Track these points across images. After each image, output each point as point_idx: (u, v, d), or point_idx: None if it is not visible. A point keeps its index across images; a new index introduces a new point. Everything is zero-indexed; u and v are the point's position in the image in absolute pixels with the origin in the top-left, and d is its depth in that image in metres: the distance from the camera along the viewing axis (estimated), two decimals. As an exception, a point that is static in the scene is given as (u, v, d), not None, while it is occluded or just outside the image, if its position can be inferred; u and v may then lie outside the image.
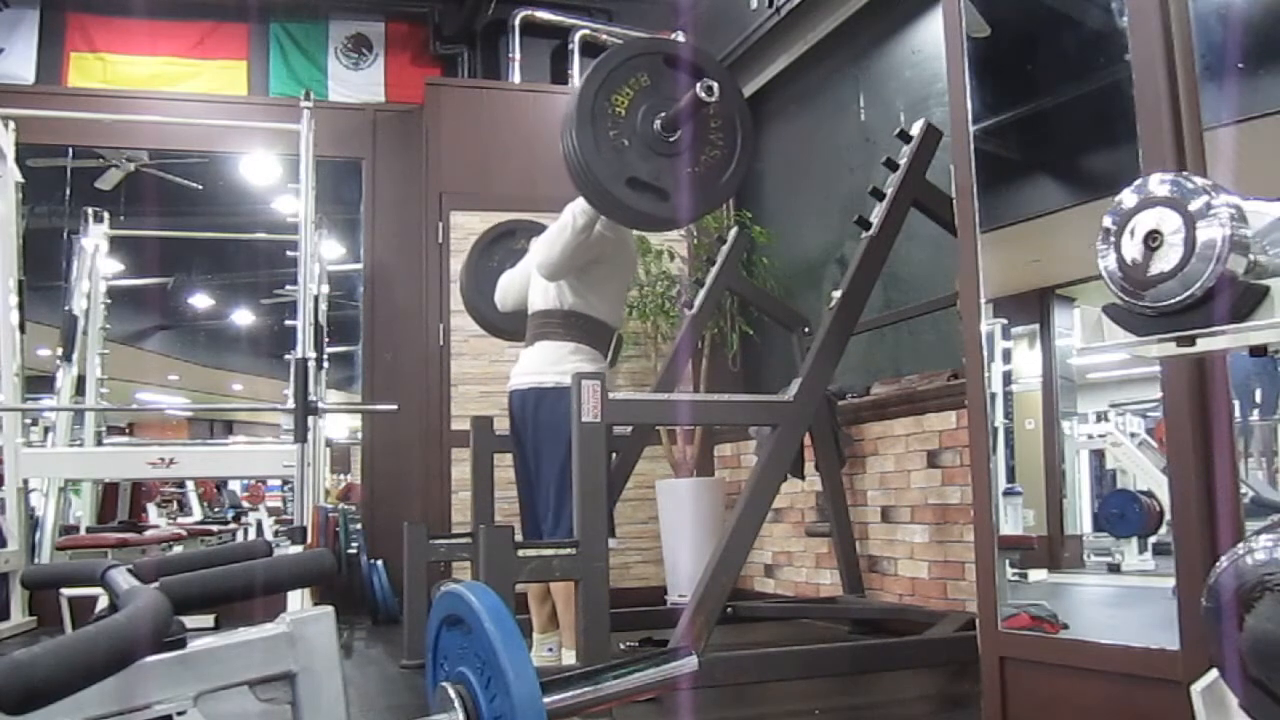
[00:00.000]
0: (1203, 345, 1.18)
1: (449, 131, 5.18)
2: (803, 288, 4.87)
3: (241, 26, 5.67)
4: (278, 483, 8.03)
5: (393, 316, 5.45)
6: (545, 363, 2.83)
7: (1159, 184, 1.19)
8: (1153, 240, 1.17)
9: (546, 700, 1.00)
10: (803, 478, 3.98)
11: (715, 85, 2.39)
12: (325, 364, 5.26)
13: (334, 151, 5.35)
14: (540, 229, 3.37)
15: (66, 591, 3.36)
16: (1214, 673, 1.21)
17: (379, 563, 4.66)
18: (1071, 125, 2.45)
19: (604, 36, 5.77)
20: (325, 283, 5.40)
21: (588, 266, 2.82)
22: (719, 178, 2.61)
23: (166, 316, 7.93)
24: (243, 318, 8.12)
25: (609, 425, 2.44)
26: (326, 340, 5.28)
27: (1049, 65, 2.45)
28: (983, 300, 2.15)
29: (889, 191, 3.03)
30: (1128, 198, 1.22)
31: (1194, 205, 1.14)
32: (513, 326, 3.26)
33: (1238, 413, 1.68)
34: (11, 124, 4.61)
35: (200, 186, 6.17)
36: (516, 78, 5.62)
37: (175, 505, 7.47)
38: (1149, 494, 2.52)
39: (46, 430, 5.49)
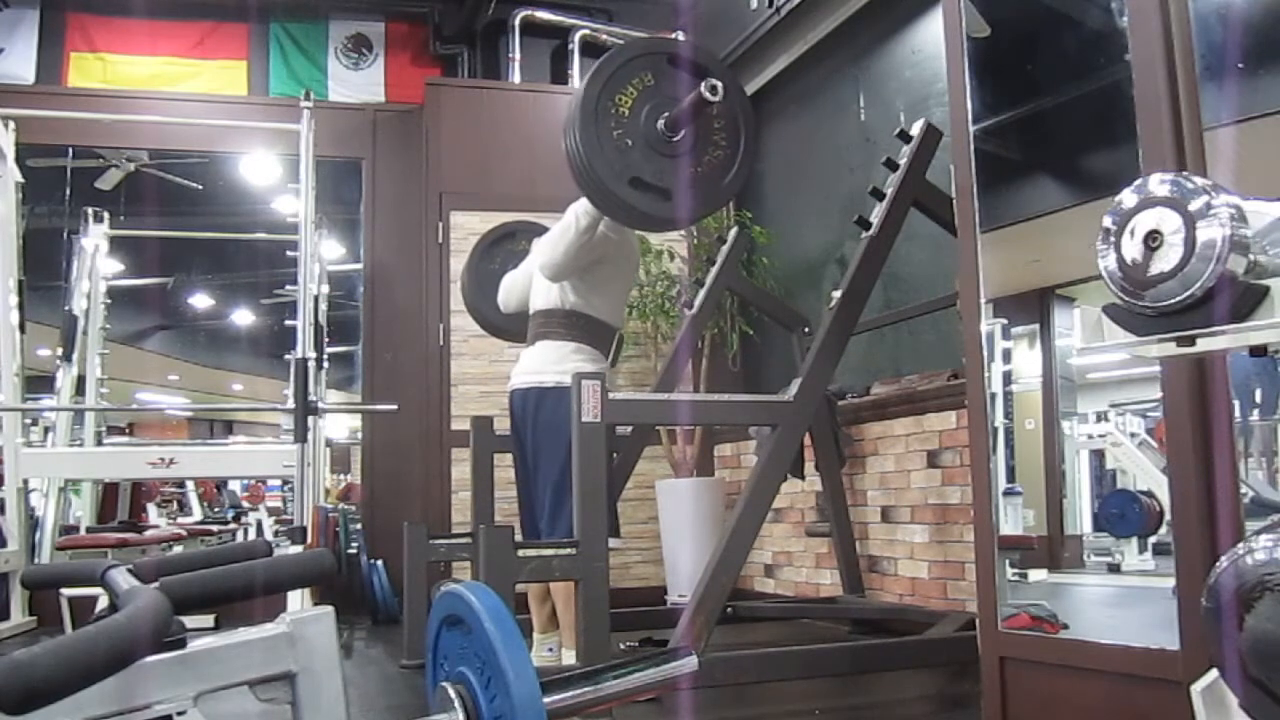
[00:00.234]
0: (1203, 345, 1.18)
1: (449, 131, 5.18)
2: (803, 288, 4.87)
3: (241, 26, 5.67)
4: (278, 483, 8.03)
5: (393, 316, 5.45)
6: (546, 362, 2.83)
7: (1159, 184, 1.19)
8: (1153, 240, 1.17)
9: (546, 700, 1.00)
10: (803, 478, 3.98)
11: (719, 85, 2.39)
12: (325, 364, 5.26)
13: (334, 151, 5.35)
14: (541, 230, 3.37)
15: (66, 591, 3.36)
16: (1214, 673, 1.21)
17: (379, 563, 4.66)
18: (1071, 125, 2.44)
19: (604, 36, 5.77)
20: (325, 283, 5.40)
21: (590, 267, 2.82)
22: (722, 178, 2.61)
23: (166, 316, 7.93)
24: (243, 318, 8.13)
25: (609, 425, 2.44)
26: (326, 340, 5.28)
27: (1049, 65, 2.45)
28: (983, 300, 2.15)
29: (889, 191, 3.03)
30: (1128, 198, 1.22)
31: (1194, 205, 1.14)
32: (514, 327, 3.26)
33: (1238, 413, 1.68)
34: (11, 124, 4.61)
35: (200, 186, 6.17)
36: (516, 78, 5.62)
37: (175, 505, 7.47)
38: (1149, 494, 2.52)
39: (46, 430, 5.49)
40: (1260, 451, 1.87)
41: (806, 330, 4.14)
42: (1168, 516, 1.81)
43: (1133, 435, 2.64)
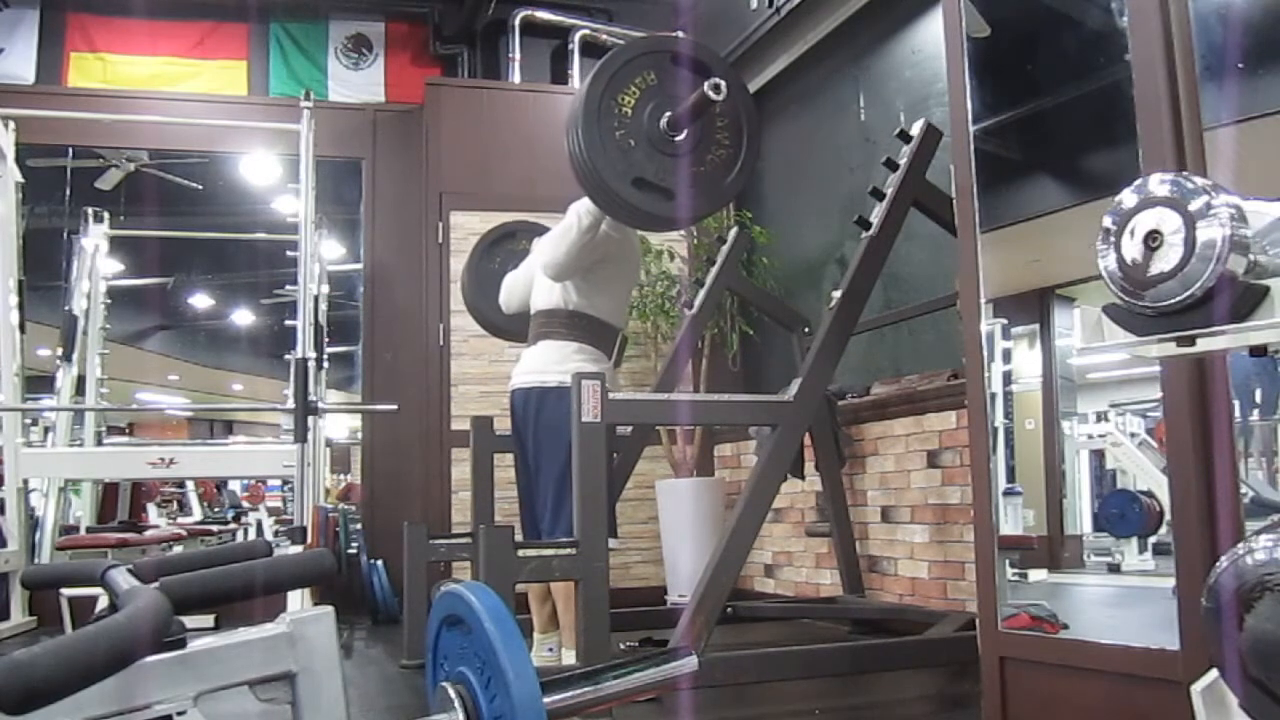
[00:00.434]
0: (1203, 345, 1.18)
1: (449, 131, 5.19)
2: (803, 288, 4.87)
3: (241, 26, 5.67)
4: (278, 483, 8.03)
5: (393, 316, 5.45)
6: (548, 362, 2.82)
7: (1159, 184, 1.19)
8: (1153, 240, 1.17)
9: (546, 700, 1.00)
10: (803, 478, 3.98)
11: (723, 84, 2.38)
12: (325, 364, 5.26)
13: (334, 151, 5.35)
14: (541, 230, 3.37)
15: (66, 591, 3.36)
16: (1214, 673, 1.21)
17: (379, 563, 4.66)
18: (1071, 125, 2.44)
19: (604, 36, 5.77)
20: (325, 283, 5.40)
21: (593, 266, 2.82)
22: (725, 177, 2.61)
23: (166, 316, 7.93)
24: (243, 318, 8.12)
25: (609, 425, 2.44)
26: (326, 340, 5.28)
27: (1049, 65, 2.45)
28: (983, 300, 2.15)
29: (889, 191, 3.03)
30: (1128, 198, 1.22)
31: (1194, 205, 1.14)
32: (515, 327, 3.26)
33: (1238, 413, 1.68)
34: (11, 124, 4.61)
35: (200, 186, 6.17)
36: (516, 78, 5.62)
37: (175, 505, 7.47)
38: (1149, 494, 2.52)
39: (46, 430, 5.49)
40: (1260, 451, 1.87)
41: (806, 330, 4.14)
42: (1168, 516, 1.81)
43: (1133, 435, 2.64)
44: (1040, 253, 2.45)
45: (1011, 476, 2.29)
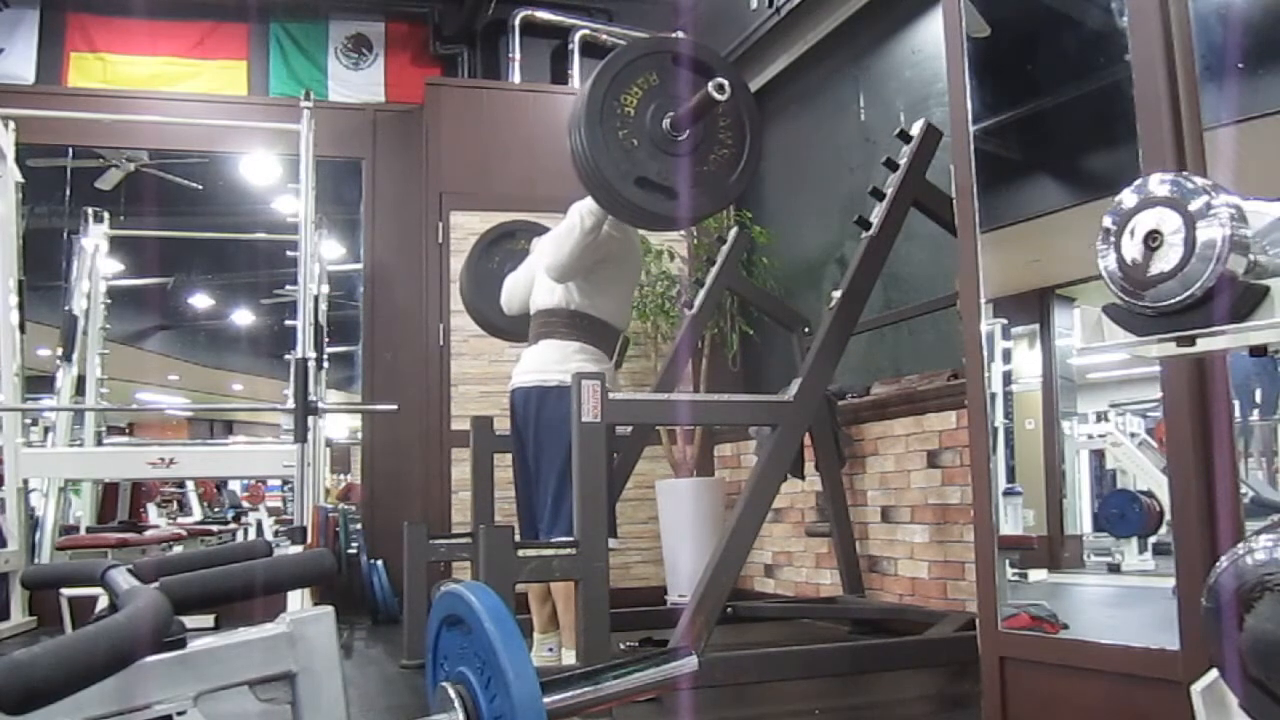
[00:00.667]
0: (1203, 345, 1.18)
1: (449, 131, 5.19)
2: (803, 288, 4.87)
3: (241, 26, 5.67)
4: (278, 483, 8.03)
5: (393, 316, 5.45)
6: (549, 361, 2.82)
7: (1159, 184, 1.19)
8: (1153, 240, 1.17)
9: (546, 700, 1.00)
10: (803, 478, 3.98)
11: (726, 83, 2.38)
12: (325, 364, 5.26)
13: (334, 151, 5.35)
14: (539, 229, 3.37)
15: (66, 591, 3.36)
16: (1214, 673, 1.21)
17: (379, 563, 4.66)
18: (1071, 125, 2.44)
19: (604, 36, 5.77)
20: (325, 283, 5.40)
21: (595, 267, 2.82)
22: (728, 176, 2.61)
23: (166, 316, 7.93)
24: (243, 318, 8.12)
25: (609, 425, 2.44)
26: (326, 340, 5.28)
27: (1049, 65, 2.45)
28: (983, 300, 2.15)
29: (889, 191, 3.03)
30: (1128, 198, 1.22)
31: (1194, 205, 1.14)
32: (513, 327, 3.26)
33: (1238, 413, 1.68)
34: (11, 124, 4.61)
35: (200, 186, 6.17)
36: (516, 78, 5.62)
37: (175, 505, 7.47)
38: (1149, 494, 2.52)
39: (46, 430, 5.49)
40: (1260, 451, 1.87)
41: (806, 330, 4.14)
42: (1168, 516, 1.81)
43: (1133, 435, 2.64)
44: (1040, 253, 2.45)
45: (1011, 476, 2.29)
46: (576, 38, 5.74)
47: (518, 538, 2.44)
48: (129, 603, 0.80)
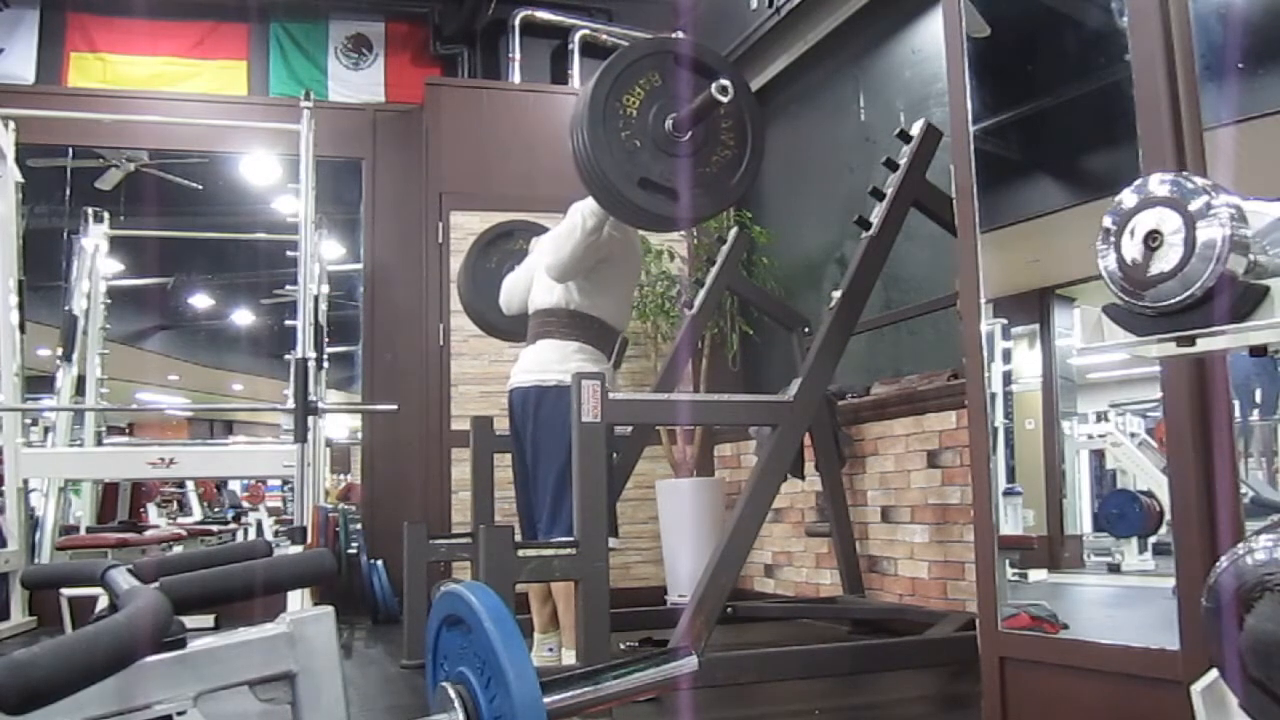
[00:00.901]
0: (1203, 345, 1.18)
1: (449, 131, 5.19)
2: (803, 288, 4.87)
3: (241, 26, 5.67)
4: (278, 483, 8.04)
5: (393, 316, 5.45)
6: (549, 361, 2.82)
7: (1159, 184, 1.19)
8: (1153, 240, 1.17)
9: (546, 700, 1.00)
10: (803, 478, 3.98)
11: (729, 85, 2.38)
12: (325, 364, 5.26)
13: (334, 151, 5.35)
14: (538, 229, 3.37)
15: (66, 591, 3.36)
16: (1214, 673, 1.21)
17: (379, 563, 4.66)
18: (1071, 125, 2.44)
19: (604, 36, 5.77)
20: (325, 283, 5.40)
21: (595, 267, 2.82)
22: (730, 177, 2.60)
23: (166, 316, 7.94)
24: (243, 318, 8.13)
25: (609, 425, 2.44)
26: (326, 340, 5.28)
27: (1049, 65, 2.45)
28: (983, 300, 2.15)
29: (889, 191, 3.03)
30: (1128, 198, 1.22)
31: (1194, 205, 1.14)
32: (512, 327, 3.25)
33: (1238, 413, 1.68)
34: (11, 124, 4.61)
35: (200, 186, 6.17)
36: (516, 78, 5.62)
37: (175, 505, 7.47)
38: (1149, 494, 2.52)
39: (46, 430, 5.49)
40: (1260, 451, 1.87)
41: (806, 330, 4.14)
42: (1168, 516, 1.81)
43: (1133, 435, 2.64)
44: (1040, 253, 2.45)
45: (1011, 476, 2.29)
46: (576, 38, 5.74)
47: (518, 538, 2.44)
48: (129, 603, 0.80)
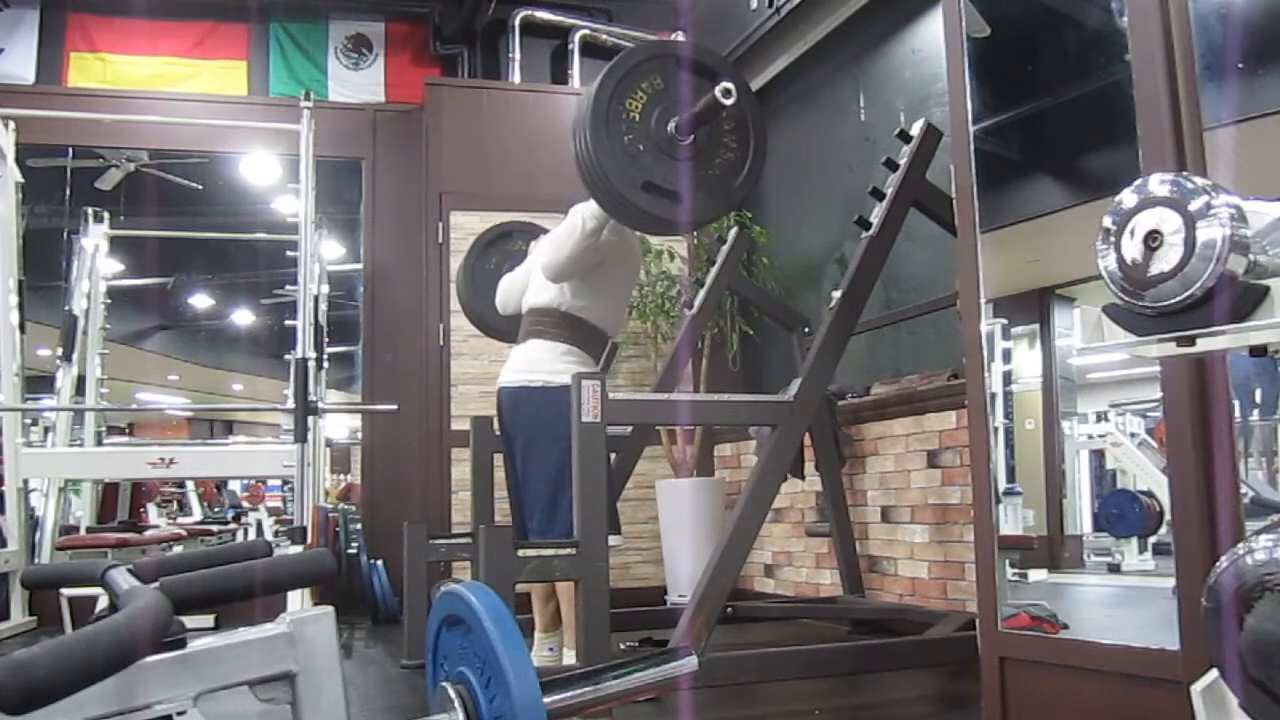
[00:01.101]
0: (1203, 345, 1.18)
1: (449, 131, 5.18)
2: (803, 288, 4.87)
3: (241, 26, 5.67)
4: (278, 483, 8.03)
5: (393, 316, 5.45)
6: (537, 360, 2.83)
7: (1159, 184, 1.19)
8: (1153, 240, 1.17)
9: (546, 700, 1.00)
10: (803, 478, 3.98)
11: (733, 88, 2.38)
12: (325, 364, 5.26)
13: (334, 151, 5.35)
14: (537, 230, 3.37)
15: (66, 591, 3.36)
16: (1214, 673, 1.21)
17: (379, 563, 4.66)
18: (1071, 125, 2.44)
19: (604, 36, 5.77)
20: (325, 283, 5.40)
21: (591, 270, 2.82)
22: (733, 179, 2.60)
23: (166, 316, 7.94)
24: (243, 318, 8.13)
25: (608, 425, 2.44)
26: (326, 340, 5.28)
27: (1049, 65, 2.45)
28: (983, 300, 2.15)
29: (889, 191, 3.03)
30: (1128, 198, 1.22)
31: (1194, 205, 1.14)
32: (509, 327, 3.25)
33: (1238, 413, 1.68)
34: (11, 124, 4.61)
35: (200, 186, 6.17)
36: (516, 78, 5.62)
37: (175, 505, 7.47)
38: (1149, 494, 2.52)
39: (46, 430, 5.49)
40: (1260, 451, 1.87)
41: (806, 330, 4.14)
42: (1168, 516, 1.81)
43: (1133, 435, 2.64)
44: (1040, 253, 2.45)
45: (1011, 476, 2.29)
46: (576, 38, 5.74)
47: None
48: (129, 603, 0.80)
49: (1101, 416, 2.67)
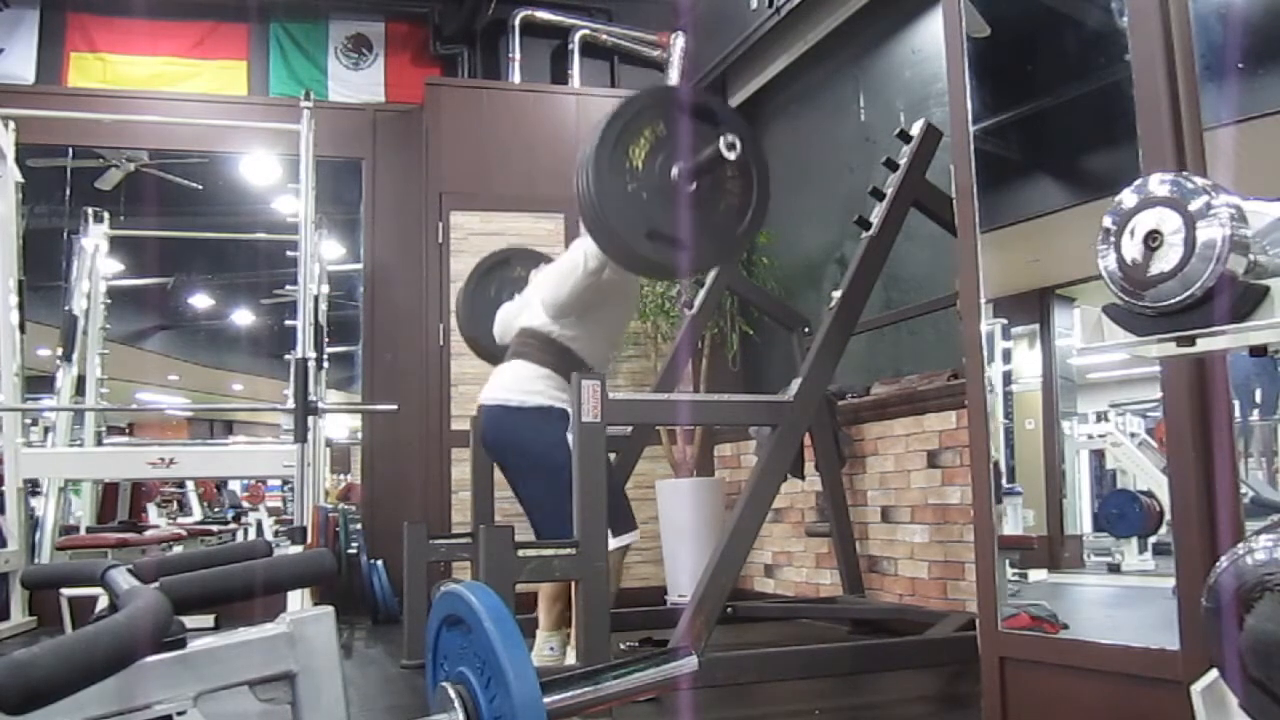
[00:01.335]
0: (1203, 345, 1.18)
1: (449, 131, 5.18)
2: (803, 288, 4.87)
3: (241, 26, 5.67)
4: (278, 483, 8.03)
5: (393, 316, 5.45)
6: (514, 380, 2.85)
7: (1159, 184, 1.19)
8: (1153, 240, 1.17)
9: (546, 700, 1.00)
10: (803, 478, 3.98)
11: (737, 141, 2.38)
12: (325, 364, 5.26)
13: (334, 151, 5.35)
14: (536, 257, 3.39)
15: (66, 591, 3.36)
16: (1214, 673, 1.21)
17: (379, 563, 4.66)
18: (1071, 125, 2.44)
19: (604, 36, 5.77)
20: (325, 283, 5.40)
21: (591, 305, 2.83)
22: (736, 226, 2.59)
23: (166, 316, 7.94)
24: (243, 318, 8.13)
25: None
26: (326, 340, 5.28)
27: (1049, 65, 2.45)
28: (983, 300, 2.15)
29: (889, 191, 3.03)
30: (1128, 198, 1.22)
31: (1194, 205, 1.14)
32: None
33: (1238, 413, 1.68)
34: (11, 124, 4.61)
35: (200, 186, 6.17)
36: (516, 78, 5.62)
37: (175, 505, 7.47)
38: (1149, 494, 2.52)
39: (46, 430, 5.49)
40: (1260, 451, 1.87)
41: (806, 330, 4.14)
42: (1168, 516, 1.81)
43: (1133, 435, 2.63)
44: (1040, 253, 2.45)
45: (1011, 476, 2.29)
46: (576, 38, 5.74)
47: (519, 538, 2.44)
48: (129, 603, 0.80)
49: (1101, 416, 2.67)
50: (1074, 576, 2.53)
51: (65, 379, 5.28)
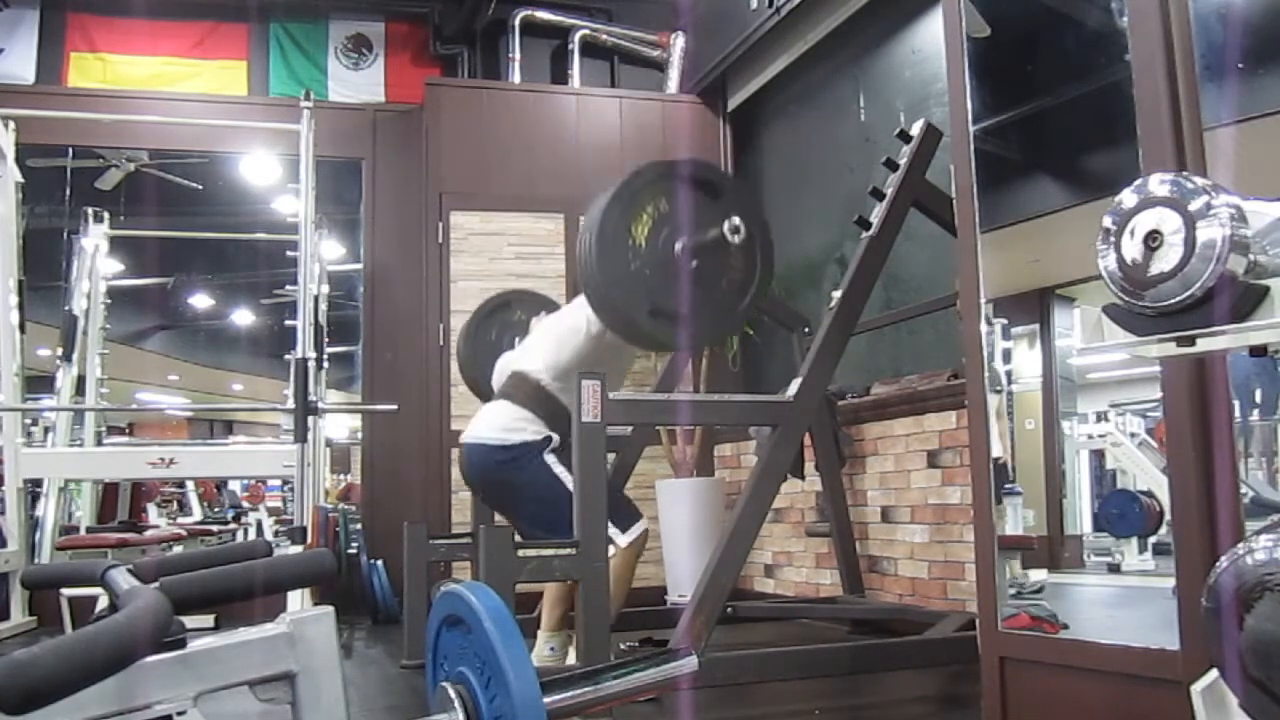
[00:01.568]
0: (1203, 345, 1.18)
1: (449, 131, 5.18)
2: (803, 288, 4.87)
3: (241, 26, 5.67)
4: (278, 483, 8.04)
5: (393, 316, 5.45)
6: (494, 418, 2.86)
7: (1159, 184, 1.19)
8: (1153, 240, 1.17)
9: (546, 700, 1.00)
10: (803, 478, 3.98)
11: (741, 225, 2.38)
12: (325, 364, 5.26)
13: (334, 151, 5.35)
14: (537, 302, 3.38)
15: (66, 591, 3.36)
16: (1214, 673, 1.21)
17: (379, 563, 4.66)
18: (1071, 125, 2.45)
19: (604, 36, 5.77)
20: (325, 283, 5.40)
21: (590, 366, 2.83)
22: (738, 302, 2.59)
23: (166, 316, 7.94)
24: (243, 318, 8.13)
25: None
26: (326, 340, 5.28)
27: (1049, 65, 2.45)
28: (983, 300, 2.15)
29: (889, 191, 3.03)
30: (1128, 198, 1.22)
31: (1194, 205, 1.14)
32: None
33: (1238, 413, 1.68)
34: (11, 124, 4.61)
35: (200, 186, 6.17)
36: (516, 78, 5.62)
37: (175, 505, 7.47)
38: (1149, 494, 2.52)
39: (46, 430, 5.49)
40: (1260, 451, 1.87)
41: (806, 330, 4.14)
42: (1168, 516, 1.81)
43: (1133, 435, 2.64)
44: (1040, 253, 2.46)
45: (1012, 476, 2.29)
46: (576, 38, 5.74)
47: (517, 538, 2.45)
48: (129, 603, 0.80)
49: (1101, 416, 2.67)
50: (1074, 576, 2.53)
51: (65, 379, 5.28)
